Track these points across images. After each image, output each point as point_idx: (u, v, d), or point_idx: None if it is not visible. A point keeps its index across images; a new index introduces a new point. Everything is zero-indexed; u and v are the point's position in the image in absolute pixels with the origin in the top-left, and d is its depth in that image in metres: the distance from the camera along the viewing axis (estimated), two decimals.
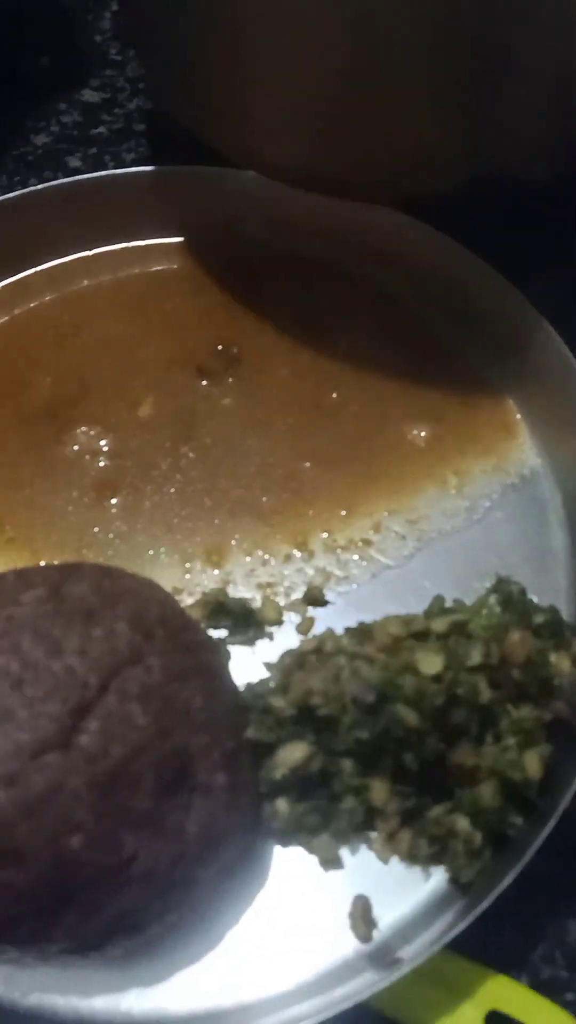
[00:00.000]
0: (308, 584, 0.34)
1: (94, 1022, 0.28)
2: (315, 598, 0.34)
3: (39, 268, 0.39)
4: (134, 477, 0.36)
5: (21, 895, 0.24)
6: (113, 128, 0.44)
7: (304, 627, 0.33)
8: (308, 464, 0.36)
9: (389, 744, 0.28)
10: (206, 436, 0.37)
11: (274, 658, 0.31)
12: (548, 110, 0.32)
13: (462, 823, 0.28)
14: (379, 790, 0.29)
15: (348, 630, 0.31)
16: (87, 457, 0.36)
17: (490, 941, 0.29)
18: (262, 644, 0.33)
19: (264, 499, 0.36)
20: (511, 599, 0.31)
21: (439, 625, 0.29)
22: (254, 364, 0.38)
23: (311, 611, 0.34)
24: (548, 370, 0.35)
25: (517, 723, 0.28)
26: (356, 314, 0.38)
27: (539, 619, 0.30)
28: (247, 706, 0.29)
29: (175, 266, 0.40)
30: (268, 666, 0.31)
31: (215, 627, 0.33)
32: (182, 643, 0.28)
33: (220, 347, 0.38)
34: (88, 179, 0.39)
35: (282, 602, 0.34)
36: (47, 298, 0.39)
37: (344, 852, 0.30)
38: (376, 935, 0.29)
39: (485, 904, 0.27)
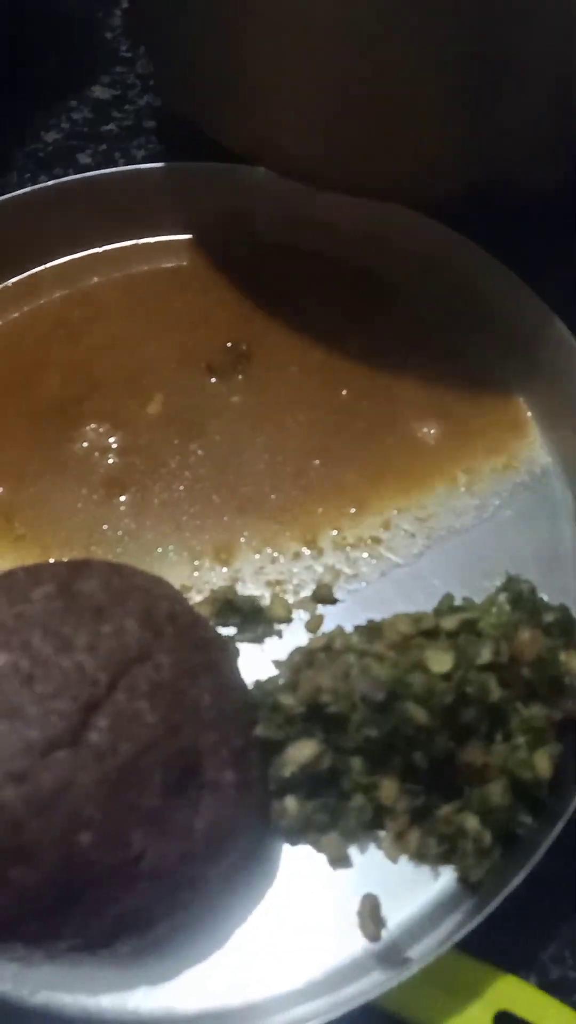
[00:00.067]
0: (317, 582, 0.34)
1: (102, 1020, 0.28)
2: (324, 596, 0.34)
3: (49, 265, 0.39)
4: (143, 474, 0.36)
5: (30, 892, 0.24)
6: (123, 125, 0.44)
7: (313, 625, 0.33)
8: (317, 462, 0.36)
9: (398, 742, 0.28)
10: (215, 433, 0.37)
11: (283, 656, 0.31)
12: (549, 112, 0.32)
13: (471, 822, 0.28)
14: (388, 788, 0.29)
15: (357, 628, 0.31)
16: (96, 454, 0.36)
17: (499, 941, 0.29)
18: (271, 642, 0.33)
19: (273, 497, 0.36)
20: (521, 597, 0.31)
21: (449, 623, 0.29)
22: (264, 361, 0.38)
23: (320, 609, 0.34)
24: (559, 368, 0.35)
25: (527, 722, 0.28)
26: (366, 311, 0.38)
27: (549, 618, 0.30)
28: (256, 704, 0.29)
29: (185, 263, 0.40)
30: (277, 664, 0.31)
31: (224, 624, 0.33)
32: (191, 640, 0.28)
33: (229, 344, 0.38)
34: (98, 176, 0.39)
35: (291, 600, 0.34)
36: (56, 295, 0.39)
37: (353, 851, 0.30)
38: (385, 934, 0.28)
39: (494, 904, 0.27)
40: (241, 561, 0.35)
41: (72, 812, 0.24)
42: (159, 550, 0.35)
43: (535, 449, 0.36)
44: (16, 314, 0.39)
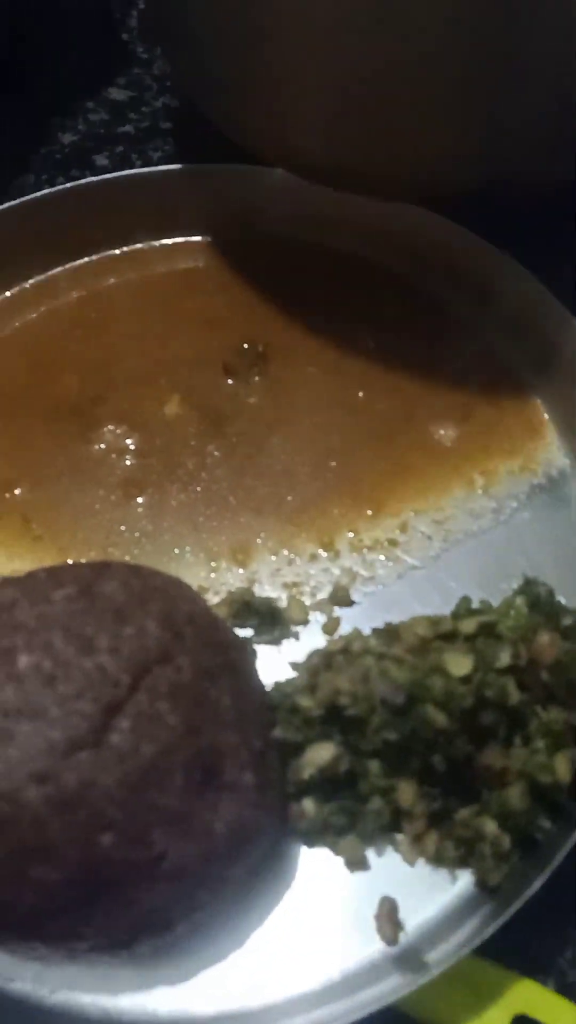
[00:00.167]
0: (334, 584, 0.34)
1: (120, 1021, 0.28)
2: (341, 598, 0.34)
3: (66, 266, 0.40)
4: (160, 476, 0.36)
5: (52, 892, 0.25)
6: (140, 126, 0.44)
7: (330, 627, 0.33)
8: (334, 463, 0.36)
9: (417, 745, 0.28)
10: (232, 435, 0.37)
11: (300, 658, 0.31)
12: (556, 110, 0.32)
13: (490, 826, 0.28)
14: (406, 791, 0.28)
15: (375, 631, 0.31)
16: (113, 456, 0.36)
17: (516, 944, 0.29)
18: (287, 643, 0.33)
19: (290, 498, 0.36)
20: (539, 600, 0.31)
21: (467, 626, 0.29)
22: (280, 362, 0.38)
23: (337, 611, 0.34)
24: None
25: (546, 725, 0.28)
26: (383, 312, 0.38)
27: (567, 621, 0.30)
28: (274, 705, 0.29)
29: (201, 264, 0.40)
30: (294, 666, 0.31)
31: (241, 626, 0.33)
32: (211, 642, 0.28)
33: (246, 345, 0.38)
34: (115, 178, 0.39)
35: (308, 602, 0.34)
36: (73, 295, 0.39)
37: (370, 853, 0.30)
38: (402, 938, 0.28)
39: (513, 909, 0.27)
40: (258, 563, 0.35)
41: (94, 812, 0.24)
42: (176, 551, 0.35)
43: (552, 451, 0.36)
44: (34, 315, 0.39)
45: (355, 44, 0.31)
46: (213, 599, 0.34)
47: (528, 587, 0.31)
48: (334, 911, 0.29)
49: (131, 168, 0.43)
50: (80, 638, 0.26)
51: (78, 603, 0.27)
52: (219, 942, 0.29)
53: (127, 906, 0.25)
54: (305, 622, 0.33)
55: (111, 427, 0.37)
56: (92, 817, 0.24)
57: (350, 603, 0.34)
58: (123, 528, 0.35)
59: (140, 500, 0.36)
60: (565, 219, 0.38)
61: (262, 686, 0.30)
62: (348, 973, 0.28)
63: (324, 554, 0.35)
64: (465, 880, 0.29)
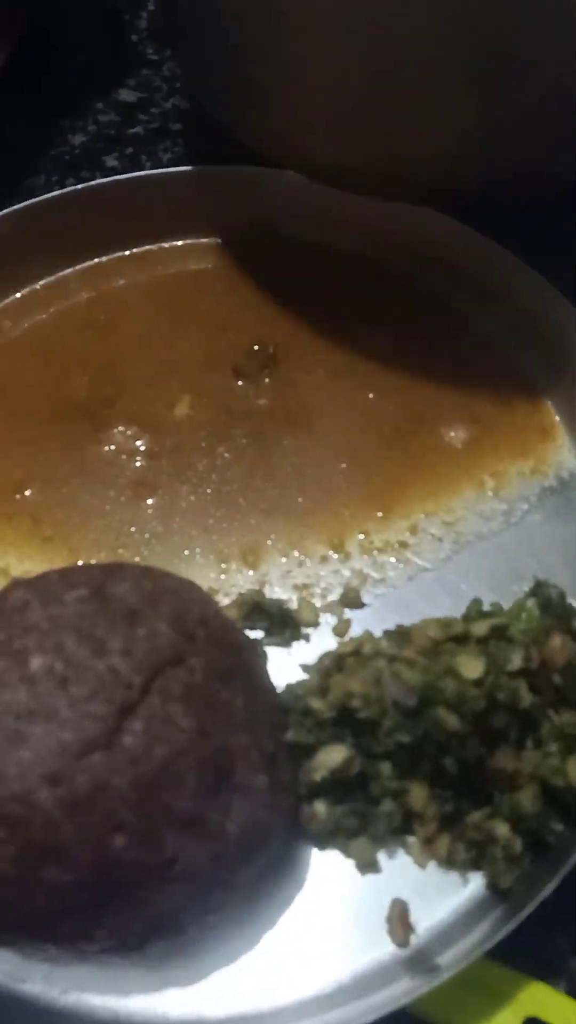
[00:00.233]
0: (344, 586, 0.34)
1: (130, 1023, 0.28)
2: (352, 600, 0.34)
3: (76, 267, 0.40)
4: (170, 477, 0.36)
5: (64, 894, 0.25)
6: (149, 128, 0.44)
7: (341, 629, 0.33)
8: (344, 465, 0.36)
9: (429, 748, 0.28)
10: (242, 436, 0.37)
11: (310, 659, 0.31)
12: (557, 109, 0.32)
13: (502, 829, 0.28)
14: (418, 794, 0.28)
15: (386, 633, 0.31)
16: (124, 457, 0.36)
17: (528, 947, 0.29)
18: (298, 645, 0.33)
19: (300, 500, 0.36)
20: (550, 603, 0.31)
21: (479, 629, 0.29)
22: (290, 364, 0.38)
23: (347, 613, 0.34)
24: None
25: (558, 728, 0.28)
26: (393, 314, 0.38)
27: None
28: (286, 708, 0.29)
29: (211, 266, 0.40)
30: (305, 668, 0.31)
31: (251, 628, 0.33)
32: (222, 643, 0.28)
33: (256, 347, 0.38)
34: (125, 179, 0.39)
35: (318, 603, 0.34)
36: (84, 297, 0.39)
37: (381, 855, 0.30)
38: (414, 940, 0.28)
39: (526, 912, 0.27)
40: (268, 564, 0.35)
41: (106, 814, 0.24)
42: (186, 552, 0.35)
43: (563, 453, 0.36)
44: (43, 316, 0.39)
45: (362, 45, 0.31)
46: (223, 600, 0.34)
47: (539, 589, 0.31)
48: (345, 913, 0.29)
49: (141, 169, 0.43)
50: (92, 640, 0.26)
51: (90, 605, 0.27)
52: (230, 944, 0.29)
53: (138, 908, 0.25)
54: (315, 624, 0.33)
55: (121, 428, 0.37)
56: (104, 819, 0.24)
57: (361, 605, 0.34)
58: (133, 529, 0.35)
59: (150, 501, 0.36)
60: (566, 219, 0.38)
61: (273, 688, 0.30)
62: (359, 975, 0.28)
63: (334, 556, 0.35)
64: (476, 883, 0.29)
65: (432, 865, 0.29)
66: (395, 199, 0.37)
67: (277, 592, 0.34)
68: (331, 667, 0.30)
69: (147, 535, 0.35)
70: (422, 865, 0.29)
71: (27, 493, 0.36)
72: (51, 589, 0.27)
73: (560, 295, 0.36)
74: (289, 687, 0.30)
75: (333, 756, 0.28)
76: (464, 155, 0.34)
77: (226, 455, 0.37)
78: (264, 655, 0.31)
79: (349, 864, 0.30)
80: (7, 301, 0.39)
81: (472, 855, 0.29)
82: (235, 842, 0.26)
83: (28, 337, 0.39)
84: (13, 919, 0.26)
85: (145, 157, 0.44)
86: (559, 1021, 0.28)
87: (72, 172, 0.43)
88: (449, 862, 0.29)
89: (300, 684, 0.30)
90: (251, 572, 0.35)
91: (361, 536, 0.35)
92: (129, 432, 0.37)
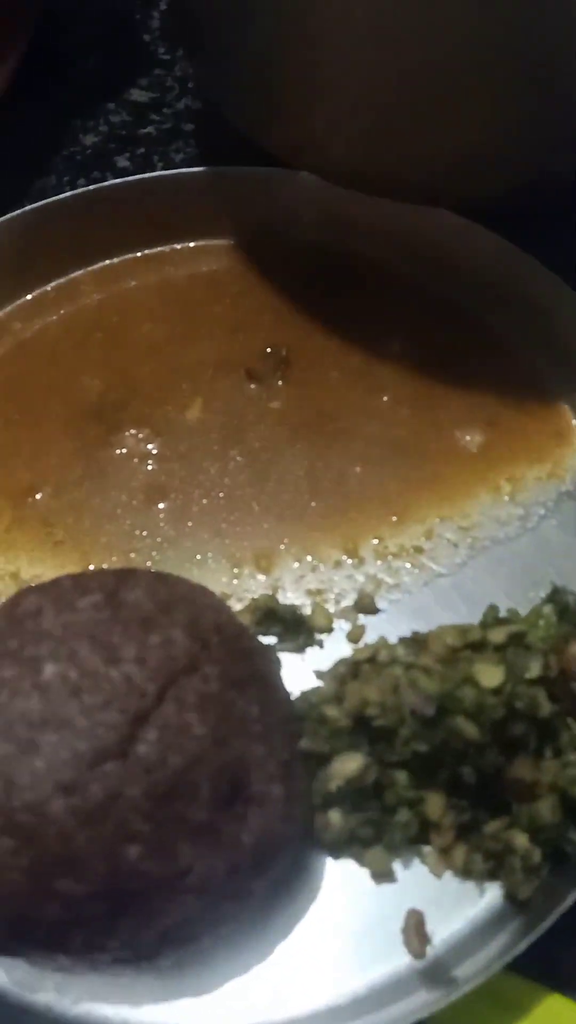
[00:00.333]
0: (359, 591, 0.34)
1: None
2: (366, 605, 0.33)
3: (88, 269, 0.39)
4: (183, 481, 0.36)
5: (77, 904, 0.24)
6: (162, 128, 0.44)
7: (355, 635, 0.33)
8: (358, 469, 0.36)
9: (446, 757, 0.28)
10: (255, 440, 0.36)
11: (324, 666, 0.31)
12: None
13: (520, 839, 0.27)
14: (434, 803, 0.28)
15: (402, 639, 0.30)
16: (135, 460, 0.36)
17: (544, 959, 0.28)
18: (311, 651, 0.33)
19: (313, 504, 0.35)
20: (567, 609, 0.30)
21: (497, 636, 0.29)
22: (303, 367, 0.37)
23: (362, 618, 0.33)
24: None
25: None
26: (407, 316, 0.38)
27: None
28: (300, 715, 0.29)
29: (224, 267, 0.39)
30: (319, 674, 0.31)
31: (264, 633, 0.33)
32: (237, 651, 0.27)
33: (269, 350, 0.38)
34: (136, 180, 0.39)
35: (332, 609, 0.33)
36: (95, 299, 0.39)
37: (397, 865, 0.29)
38: (430, 951, 0.28)
39: (546, 925, 0.26)
40: (281, 569, 0.34)
41: (120, 824, 0.24)
42: (198, 557, 0.35)
43: None
44: (55, 317, 0.39)
45: (379, 46, 0.30)
46: (236, 606, 0.33)
47: (556, 595, 0.31)
48: (360, 924, 0.29)
49: (152, 170, 0.42)
50: (106, 647, 0.25)
51: (104, 611, 0.26)
52: (243, 954, 0.28)
53: (152, 919, 0.25)
54: (329, 630, 0.33)
55: (133, 431, 0.37)
56: (118, 829, 0.24)
57: (375, 611, 0.33)
58: (145, 533, 0.35)
59: (162, 505, 0.35)
60: None
61: (288, 695, 0.29)
62: (374, 987, 0.28)
63: (348, 561, 0.34)
64: (493, 893, 0.29)
65: (448, 875, 0.29)
66: (409, 201, 0.37)
67: (290, 597, 0.34)
68: (346, 674, 0.29)
69: (159, 539, 0.35)
70: (438, 875, 0.29)
71: (38, 497, 0.36)
72: (64, 595, 0.27)
73: None
74: (303, 695, 0.29)
75: (349, 765, 0.28)
76: (481, 157, 0.33)
77: (239, 459, 0.36)
78: (278, 662, 0.31)
79: (364, 873, 0.29)
80: (18, 303, 0.39)
81: (490, 865, 0.28)
82: (250, 853, 0.26)
83: (39, 339, 0.39)
84: (26, 929, 0.25)
85: (157, 158, 0.43)
86: None
87: (83, 172, 0.43)
88: (466, 872, 0.29)
89: (315, 692, 0.29)
90: (264, 577, 0.34)
91: (375, 541, 0.35)
92: (141, 435, 0.37)
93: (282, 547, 0.35)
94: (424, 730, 0.27)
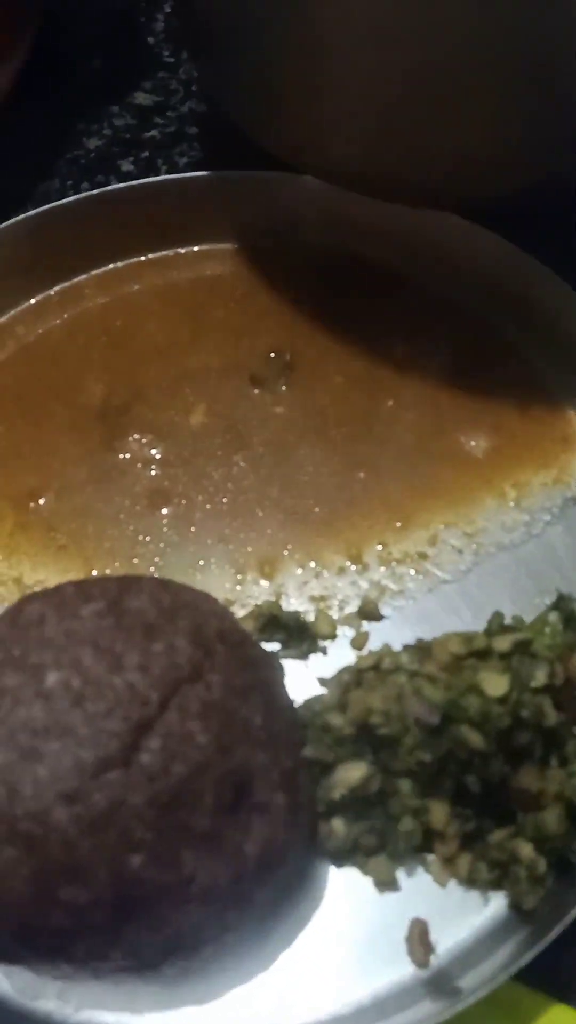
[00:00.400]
0: (362, 598, 0.33)
1: None
2: (370, 612, 0.33)
3: (91, 273, 0.39)
4: (186, 486, 0.36)
5: (81, 913, 0.24)
6: (166, 131, 0.44)
7: (359, 642, 0.33)
8: (362, 474, 0.36)
9: (451, 766, 0.27)
10: (258, 445, 0.36)
11: (328, 673, 0.31)
12: None
13: (525, 849, 0.27)
14: (438, 813, 0.28)
15: (406, 647, 0.30)
16: (139, 465, 0.36)
17: (548, 968, 0.28)
18: (315, 658, 0.33)
19: (317, 509, 0.35)
20: (573, 617, 0.30)
21: (502, 644, 0.28)
22: (307, 371, 0.37)
23: (365, 625, 0.33)
24: None
25: None
26: (412, 321, 0.38)
27: None
28: (304, 723, 0.29)
29: (227, 271, 0.39)
30: (323, 681, 0.30)
31: (268, 640, 0.32)
32: (241, 659, 0.27)
33: (273, 354, 0.38)
34: (140, 184, 0.39)
35: (336, 615, 0.33)
36: (99, 302, 0.39)
37: (400, 874, 0.29)
38: (434, 960, 0.28)
39: (551, 936, 0.26)
40: (285, 575, 0.34)
41: (123, 833, 0.24)
42: (201, 562, 0.35)
43: None
44: (58, 321, 0.39)
45: (386, 47, 0.30)
46: (239, 612, 0.33)
47: (562, 603, 0.31)
48: (363, 932, 0.29)
49: (156, 173, 0.42)
50: (109, 655, 0.25)
51: (107, 619, 0.26)
52: (247, 962, 0.28)
53: (156, 928, 0.25)
54: (333, 636, 0.33)
55: (136, 436, 0.37)
56: (121, 838, 0.24)
57: (379, 617, 0.33)
58: (148, 539, 0.35)
59: (166, 511, 0.35)
60: None
61: (291, 703, 0.29)
62: (378, 996, 0.28)
63: (352, 567, 0.34)
64: (498, 903, 0.29)
65: (452, 884, 0.29)
66: (414, 204, 0.37)
67: (294, 603, 0.34)
68: (350, 682, 0.29)
69: (162, 544, 0.35)
70: (442, 884, 0.29)
71: (41, 501, 0.36)
72: (67, 602, 0.27)
73: None
74: (307, 702, 0.29)
75: (352, 773, 0.28)
76: (484, 159, 0.33)
77: (242, 464, 0.36)
78: (281, 669, 0.30)
79: (367, 882, 0.29)
80: (22, 307, 0.39)
81: (494, 875, 0.28)
82: (254, 862, 0.26)
83: (42, 343, 0.38)
84: (29, 937, 0.25)
85: (161, 161, 0.43)
86: None
87: (87, 176, 0.43)
88: (470, 881, 0.28)
89: (318, 699, 0.29)
90: (267, 583, 0.34)
91: (379, 547, 0.34)
92: (144, 440, 0.36)
93: (286, 553, 0.35)
94: (428, 739, 0.27)
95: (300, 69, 0.33)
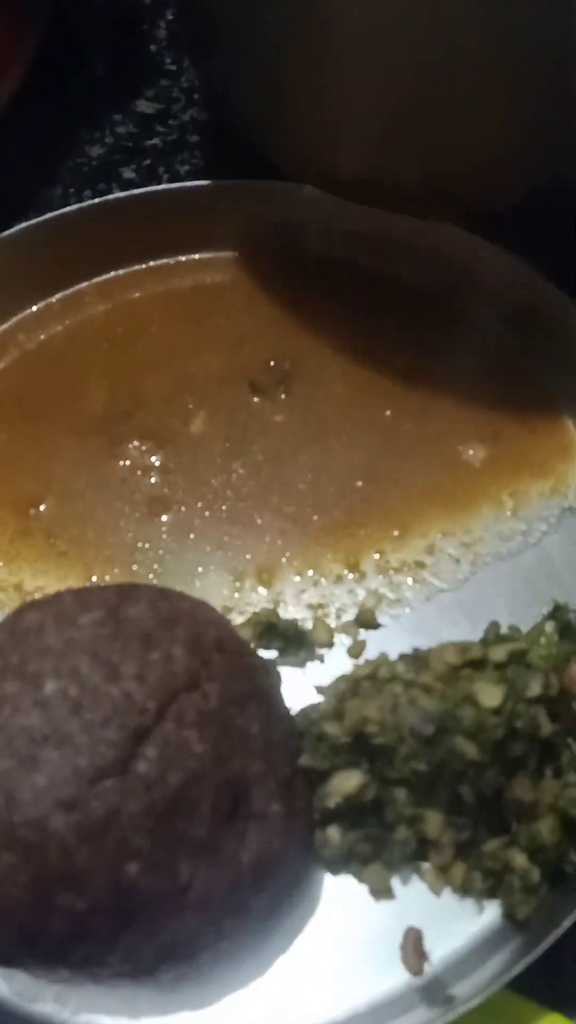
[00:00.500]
0: (360, 606, 0.34)
1: None
2: (367, 621, 0.33)
3: (93, 281, 0.39)
4: (185, 494, 0.36)
5: (79, 920, 0.24)
6: (167, 139, 0.44)
7: (356, 650, 0.33)
8: (360, 482, 0.36)
9: (446, 775, 0.28)
10: (258, 453, 0.37)
11: (325, 681, 0.31)
12: None
13: (519, 859, 0.27)
14: (433, 822, 0.28)
15: (403, 656, 0.30)
16: (139, 472, 0.36)
17: (543, 977, 0.28)
18: (311, 666, 0.33)
19: (315, 518, 0.35)
20: (569, 627, 0.30)
21: (497, 654, 0.29)
22: (307, 380, 0.38)
23: (363, 634, 0.33)
24: None
25: None
26: (411, 330, 0.38)
27: None
28: (300, 732, 0.29)
29: (228, 279, 0.40)
30: (320, 689, 0.31)
31: (265, 648, 0.33)
32: (238, 667, 0.28)
33: (272, 362, 0.38)
34: (141, 193, 0.39)
35: (333, 624, 0.34)
36: (100, 310, 0.39)
37: (395, 882, 0.29)
38: (428, 969, 0.28)
39: (544, 945, 0.27)
40: (283, 583, 0.34)
41: (120, 841, 0.24)
42: (200, 570, 0.35)
43: None
44: (60, 328, 0.39)
45: (389, 54, 0.30)
46: (237, 619, 0.33)
47: (558, 613, 0.31)
48: (358, 940, 0.29)
49: (158, 181, 0.43)
50: (107, 664, 0.26)
51: (105, 627, 0.26)
52: (242, 968, 0.28)
53: (152, 935, 0.25)
54: (330, 644, 0.33)
55: (136, 443, 0.37)
56: (119, 845, 0.24)
57: (376, 626, 0.33)
58: (147, 546, 0.35)
59: (165, 518, 0.36)
60: None
61: (288, 711, 0.29)
62: (373, 1003, 0.28)
63: (350, 575, 0.34)
64: (492, 912, 0.29)
65: (447, 893, 0.29)
66: (414, 214, 0.37)
67: (291, 611, 0.34)
68: (347, 691, 0.29)
69: (161, 551, 0.35)
70: (437, 892, 0.29)
71: (42, 508, 0.36)
72: (66, 611, 0.27)
73: None
74: (303, 711, 0.30)
75: (348, 782, 0.28)
76: (487, 170, 0.34)
77: (241, 472, 0.36)
78: (278, 677, 0.31)
79: (363, 890, 0.29)
80: (23, 314, 0.39)
81: (488, 884, 0.28)
82: (250, 870, 0.26)
83: (44, 351, 0.39)
84: (27, 943, 0.25)
85: (163, 169, 0.43)
86: None
87: (89, 184, 0.43)
88: (464, 890, 0.29)
89: (315, 708, 0.30)
90: (265, 591, 0.34)
91: (377, 555, 0.35)
92: (144, 447, 0.37)
93: (284, 560, 0.35)
94: (423, 749, 0.27)
95: (303, 78, 0.33)
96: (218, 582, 0.34)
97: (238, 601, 0.34)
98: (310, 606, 0.34)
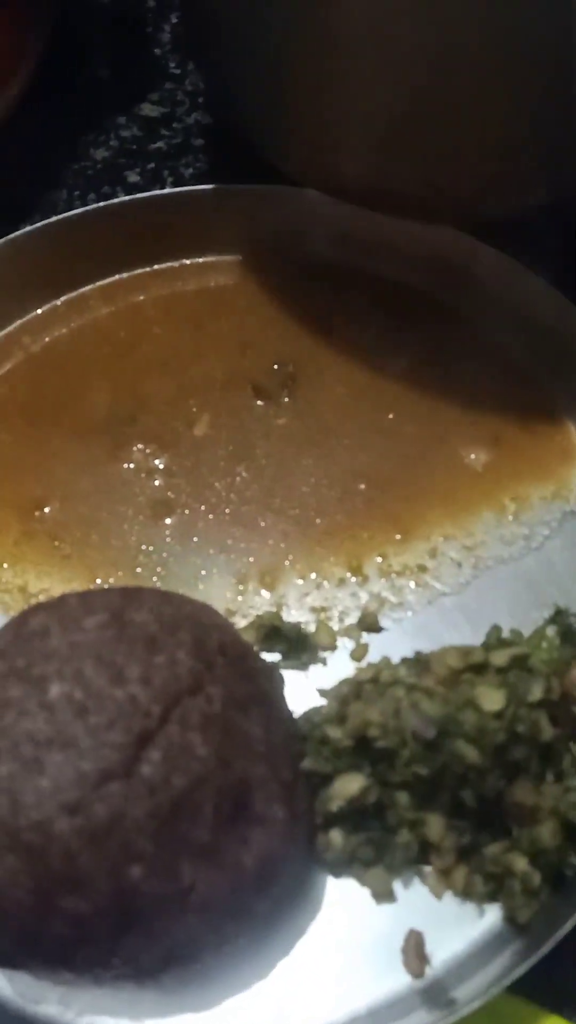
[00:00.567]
0: (362, 609, 0.34)
1: None
2: (370, 624, 0.33)
3: (97, 284, 0.40)
4: (189, 497, 0.36)
5: (82, 923, 0.25)
6: (172, 143, 0.44)
7: (358, 654, 0.33)
8: (363, 486, 0.36)
9: (447, 779, 0.28)
10: (261, 456, 0.37)
11: (327, 684, 0.31)
12: None
13: (520, 863, 0.27)
14: (435, 825, 0.28)
15: (405, 660, 0.30)
16: (143, 475, 0.36)
17: (543, 979, 0.29)
18: (315, 669, 0.33)
19: (318, 521, 0.36)
20: (570, 632, 0.30)
21: (499, 658, 0.29)
22: (310, 383, 0.38)
23: (365, 637, 0.33)
24: None
25: None
26: (414, 334, 0.38)
27: None
28: (303, 735, 0.29)
29: (232, 283, 0.40)
30: (322, 692, 0.31)
31: (268, 651, 0.33)
32: (241, 671, 0.28)
33: (276, 366, 0.38)
34: (145, 197, 0.39)
35: (335, 627, 0.34)
36: (104, 313, 0.39)
37: (397, 885, 0.29)
38: (429, 972, 0.28)
39: (545, 949, 0.27)
40: (286, 586, 0.34)
41: (124, 844, 0.24)
42: (204, 573, 0.35)
43: None
44: (64, 331, 0.39)
45: (394, 60, 0.30)
46: (240, 622, 0.34)
47: (559, 617, 0.31)
48: (360, 943, 0.29)
49: (163, 184, 0.43)
50: (111, 667, 0.26)
51: (109, 631, 0.27)
52: (244, 971, 0.29)
53: (155, 938, 0.25)
54: (333, 647, 0.33)
55: (140, 446, 0.37)
56: (122, 849, 0.24)
57: (378, 629, 0.33)
58: (151, 549, 0.35)
59: (168, 521, 0.36)
60: None
61: (291, 715, 0.30)
62: (374, 1006, 0.28)
63: (353, 578, 0.35)
64: (493, 915, 0.29)
65: (448, 896, 0.29)
66: (418, 218, 0.37)
67: (294, 614, 0.34)
68: (349, 695, 0.29)
69: (164, 554, 0.35)
70: (438, 896, 0.29)
71: (46, 511, 0.36)
72: (71, 614, 0.27)
73: None
74: (306, 714, 0.30)
75: (350, 785, 0.28)
76: (490, 176, 0.34)
77: (245, 475, 0.36)
78: (281, 680, 0.31)
79: (364, 893, 0.29)
80: (28, 317, 0.39)
81: (490, 888, 0.28)
82: (252, 873, 0.26)
83: (48, 353, 0.39)
84: (30, 945, 0.26)
85: (167, 172, 0.43)
86: None
87: (94, 187, 0.43)
88: (466, 894, 0.29)
89: (317, 711, 0.30)
90: (268, 594, 0.34)
91: (379, 559, 0.35)
92: (148, 450, 0.37)
93: (287, 564, 0.35)
94: (425, 753, 0.27)
95: (307, 83, 0.33)
96: (221, 585, 0.35)
97: (241, 604, 0.34)
98: (313, 609, 0.34)
